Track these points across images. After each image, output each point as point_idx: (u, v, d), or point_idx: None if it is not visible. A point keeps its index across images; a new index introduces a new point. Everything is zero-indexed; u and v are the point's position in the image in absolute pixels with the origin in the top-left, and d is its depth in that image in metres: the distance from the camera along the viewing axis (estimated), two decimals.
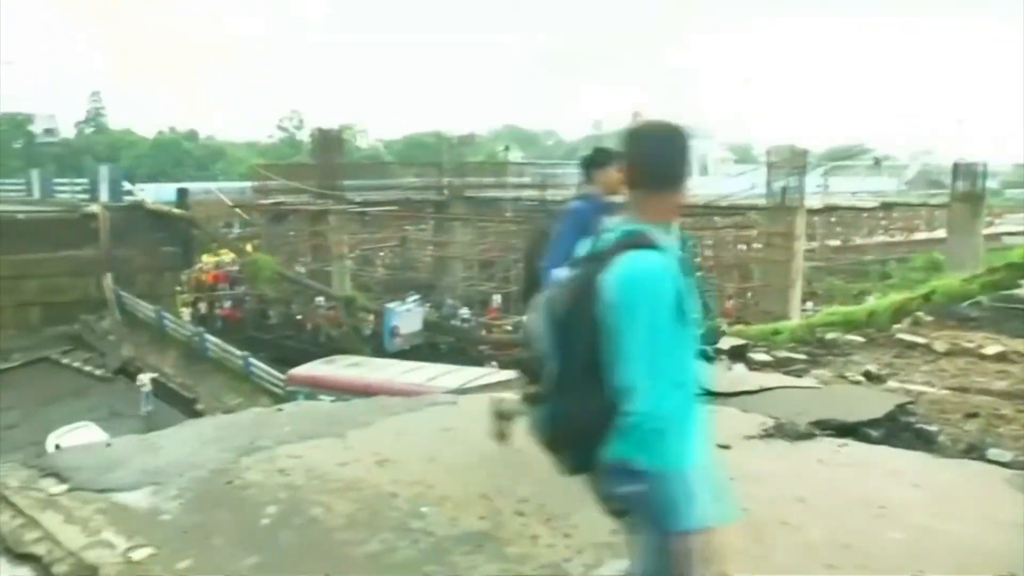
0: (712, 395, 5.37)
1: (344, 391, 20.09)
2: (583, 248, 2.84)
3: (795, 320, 27.69)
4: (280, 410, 6.65)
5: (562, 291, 2.72)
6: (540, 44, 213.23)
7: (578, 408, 2.62)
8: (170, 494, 4.55)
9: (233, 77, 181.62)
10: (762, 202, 32.31)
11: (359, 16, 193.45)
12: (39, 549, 3.97)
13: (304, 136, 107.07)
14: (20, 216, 37.32)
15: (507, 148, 41.74)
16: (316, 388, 20.98)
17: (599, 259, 2.63)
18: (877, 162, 56.50)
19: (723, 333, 11.32)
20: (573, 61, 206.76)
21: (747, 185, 37.56)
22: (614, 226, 2.73)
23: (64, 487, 4.63)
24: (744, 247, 38.23)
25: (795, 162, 30.03)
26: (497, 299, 35.07)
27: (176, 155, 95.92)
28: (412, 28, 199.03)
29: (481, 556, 3.97)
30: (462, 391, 8.55)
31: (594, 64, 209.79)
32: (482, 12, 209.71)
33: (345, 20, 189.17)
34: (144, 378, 29.99)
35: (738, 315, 31.46)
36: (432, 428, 5.78)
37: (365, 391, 19.87)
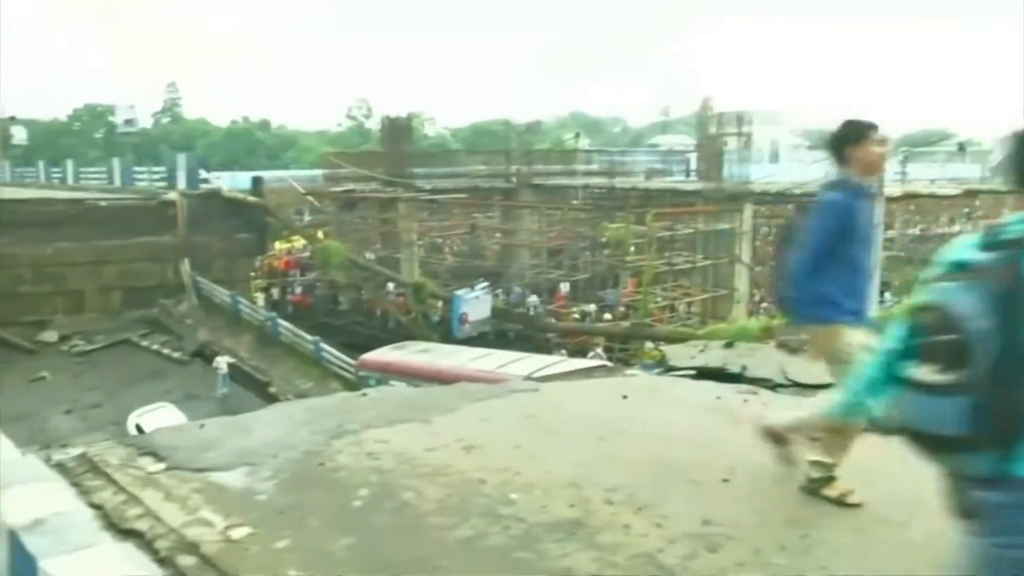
0: None
1: (415, 377, 20.32)
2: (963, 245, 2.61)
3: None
4: (364, 395, 6.74)
5: (987, 273, 2.47)
6: (605, 29, 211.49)
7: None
8: (264, 475, 4.64)
9: (303, 67, 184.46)
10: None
11: (424, 9, 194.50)
12: (141, 525, 4.08)
13: (372, 124, 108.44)
14: (103, 203, 38.64)
15: (577, 135, 41.52)
16: (387, 373, 21.24)
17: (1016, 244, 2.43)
18: (962, 147, 54.40)
19: None
20: (635, 47, 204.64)
21: (821, 173, 36.70)
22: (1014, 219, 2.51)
23: (162, 466, 4.77)
24: None
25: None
26: (565, 287, 35.01)
27: (248, 144, 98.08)
28: (475, 18, 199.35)
29: (572, 544, 3.95)
30: (543, 379, 8.51)
31: (657, 49, 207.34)
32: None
33: (409, 13, 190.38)
34: (221, 361, 30.76)
35: None
36: (516, 415, 5.77)
37: (436, 377, 20.06)
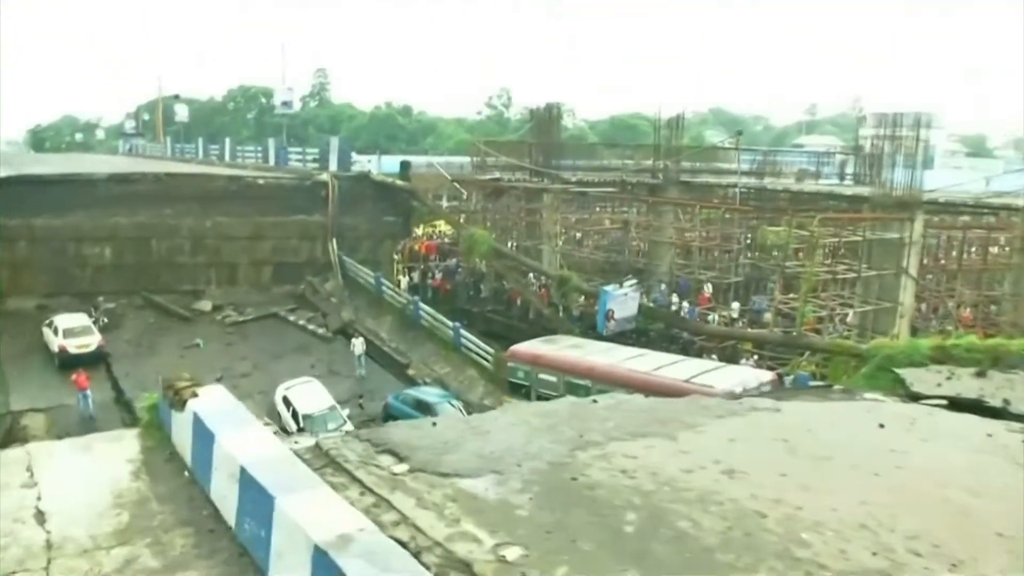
0: None
1: (567, 372, 20.02)
2: None
3: None
4: (595, 401, 6.37)
5: None
6: (746, 24, 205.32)
7: None
8: (515, 486, 4.30)
9: (446, 54, 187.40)
10: (1016, 201, 29.14)
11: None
12: (401, 534, 3.81)
13: (512, 114, 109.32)
14: (260, 181, 40.01)
15: (740, 133, 40.00)
16: (537, 366, 20.95)
17: None
18: None
19: None
20: (781, 42, 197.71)
21: (980, 179, 34.06)
22: None
23: (405, 467, 4.52)
24: (990, 251, 34.70)
25: None
26: (708, 288, 33.91)
27: (390, 129, 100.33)
28: (614, 7, 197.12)
29: None
30: (777, 397, 7.91)
31: (796, 45, 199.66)
32: None
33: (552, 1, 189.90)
34: (357, 343, 31.21)
35: (975, 326, 28.69)
36: (765, 437, 5.26)
37: (588, 375, 19.72)
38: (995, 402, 7.53)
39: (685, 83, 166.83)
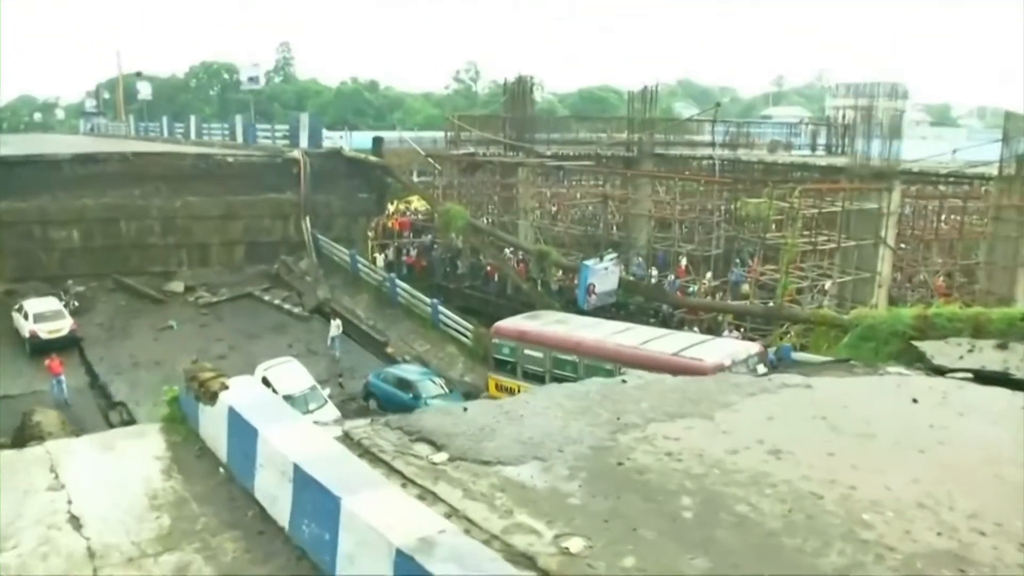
0: None
1: (553, 347, 19.91)
2: None
3: None
4: (624, 381, 6.23)
5: None
6: None
7: None
8: (562, 472, 4.16)
9: (410, 29, 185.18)
10: (988, 171, 29.41)
11: None
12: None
13: (480, 88, 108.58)
14: (230, 159, 39.28)
15: (718, 105, 39.88)
16: (523, 342, 20.80)
17: None
18: None
19: None
20: (750, 13, 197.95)
21: (947, 150, 34.33)
22: None
23: (444, 456, 4.35)
24: (957, 219, 35.08)
25: None
26: (683, 260, 34.00)
27: (358, 104, 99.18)
28: None
29: None
30: (807, 372, 7.81)
31: (772, 15, 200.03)
32: None
33: None
34: (334, 326, 30.77)
35: (949, 294, 29.02)
36: (803, 415, 5.17)
37: (575, 350, 19.65)
38: (1021, 374, 7.53)
39: (651, 55, 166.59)
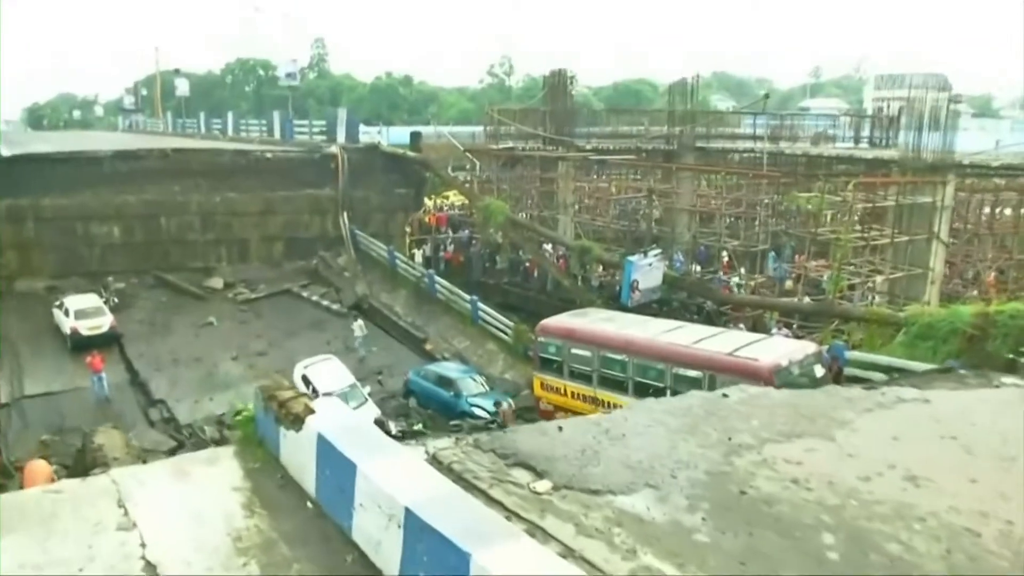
0: None
1: (602, 346, 19.44)
2: None
3: None
4: (726, 396, 5.81)
5: None
6: None
7: None
8: (679, 503, 3.76)
9: (445, 23, 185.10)
10: None
11: None
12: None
13: (514, 82, 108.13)
14: (268, 155, 39.25)
15: (767, 96, 39.04)
16: (570, 341, 20.34)
17: None
18: None
19: None
20: (785, 3, 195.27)
21: (990, 141, 33.34)
22: None
23: (547, 484, 3.95)
24: (1008, 213, 34.03)
25: None
26: (725, 256, 33.37)
27: (392, 99, 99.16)
28: None
29: None
30: (918, 384, 7.31)
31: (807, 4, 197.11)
32: None
33: None
34: (356, 327, 30.23)
35: (1004, 290, 28.12)
36: (929, 433, 4.73)
37: (626, 349, 19.17)
38: None
39: (685, 47, 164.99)
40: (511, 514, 3.65)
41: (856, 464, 4.22)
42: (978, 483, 4.10)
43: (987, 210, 32.49)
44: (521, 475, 4.01)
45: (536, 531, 3.53)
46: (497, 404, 23.24)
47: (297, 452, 8.21)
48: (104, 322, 29.35)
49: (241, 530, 7.42)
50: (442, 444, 4.91)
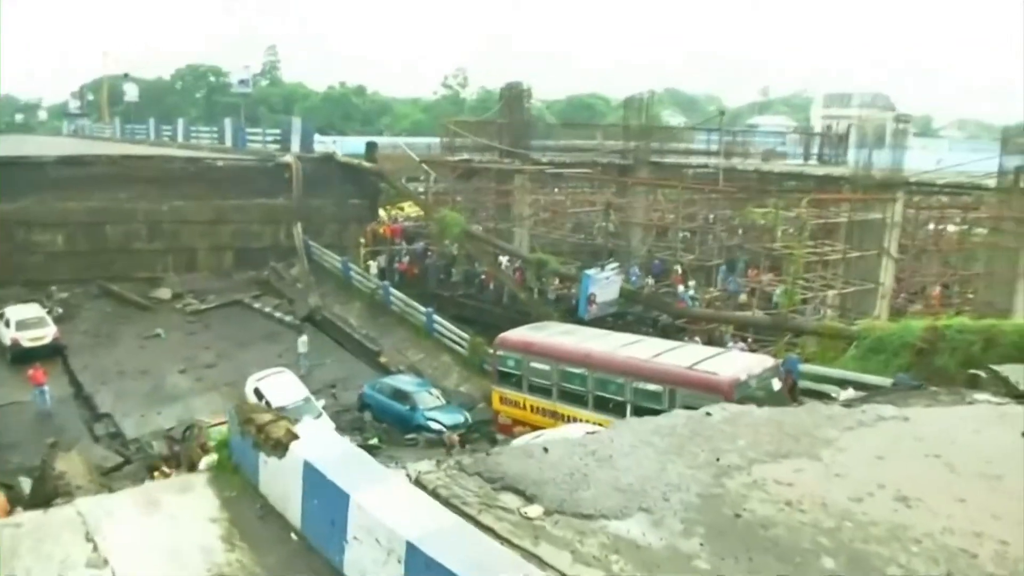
0: None
1: (561, 360, 19.39)
2: None
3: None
4: (709, 415, 5.74)
5: None
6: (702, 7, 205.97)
7: None
8: (675, 527, 3.66)
9: (398, 34, 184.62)
10: (987, 182, 29.23)
11: None
12: None
13: (468, 94, 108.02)
14: (219, 163, 38.57)
15: (722, 113, 39.43)
16: (529, 354, 20.24)
17: None
18: None
19: None
20: (735, 23, 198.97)
21: (932, 161, 34.21)
22: None
23: (538, 509, 3.81)
24: (952, 230, 34.93)
25: None
26: (678, 269, 33.69)
27: (345, 109, 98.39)
28: None
29: None
30: (894, 401, 7.32)
31: (756, 25, 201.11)
32: None
33: None
34: (301, 342, 29.60)
35: (946, 305, 28.81)
36: (913, 452, 4.71)
37: (585, 362, 19.14)
38: None
39: (637, 63, 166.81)
40: (503, 540, 3.51)
41: (846, 484, 4.18)
42: (967, 503, 4.08)
43: (932, 227, 33.29)
44: (510, 499, 3.87)
45: (531, 558, 3.40)
46: (453, 427, 22.87)
47: (279, 480, 7.69)
48: (47, 333, 28.47)
49: (222, 565, 6.89)
50: (424, 467, 4.71)
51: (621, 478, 4.19)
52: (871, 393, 13.70)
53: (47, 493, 12.27)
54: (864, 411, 5.89)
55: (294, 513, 7.26)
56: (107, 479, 16.05)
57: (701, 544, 3.54)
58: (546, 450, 4.88)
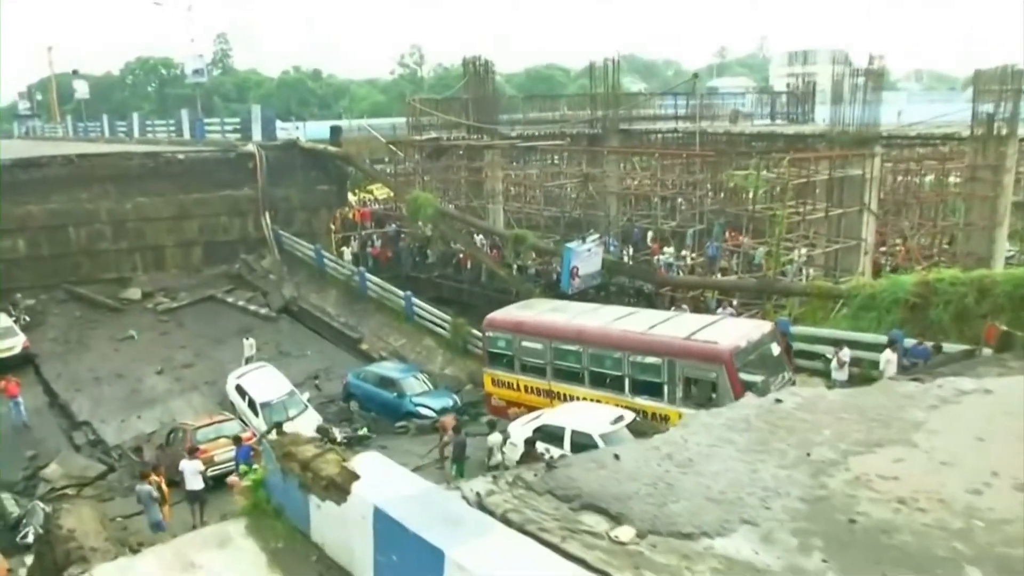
0: None
1: (554, 337, 18.95)
2: None
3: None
4: (780, 401, 5.30)
5: None
6: None
7: None
8: (789, 542, 3.22)
9: (349, 14, 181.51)
10: (960, 131, 29.12)
11: None
12: None
13: (426, 72, 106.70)
14: (180, 156, 37.45)
15: (696, 76, 38.99)
16: (520, 334, 19.77)
17: None
18: None
19: None
20: None
21: (893, 113, 34.12)
22: None
23: (629, 531, 3.35)
24: (925, 180, 34.88)
25: (1008, 85, 26.63)
26: (650, 235, 33.41)
27: (301, 94, 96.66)
28: None
29: None
30: (961, 372, 6.87)
31: None
32: None
33: None
34: (247, 344, 28.19)
35: (931, 257, 28.73)
36: (1009, 430, 4.31)
37: (578, 339, 18.72)
38: None
39: (592, 31, 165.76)
40: (599, 573, 3.03)
41: (956, 474, 3.78)
42: None
43: (909, 179, 33.21)
44: (594, 521, 3.38)
45: None
46: (442, 411, 22.38)
47: (339, 529, 6.19)
48: (15, 343, 27.51)
49: None
50: (481, 487, 4.10)
51: (711, 485, 3.74)
52: (932, 363, 13.38)
53: (57, 560, 9.88)
54: (941, 386, 5.50)
55: (363, 569, 5.77)
56: (123, 533, 14.24)
57: (824, 561, 3.12)
58: (617, 457, 4.43)
